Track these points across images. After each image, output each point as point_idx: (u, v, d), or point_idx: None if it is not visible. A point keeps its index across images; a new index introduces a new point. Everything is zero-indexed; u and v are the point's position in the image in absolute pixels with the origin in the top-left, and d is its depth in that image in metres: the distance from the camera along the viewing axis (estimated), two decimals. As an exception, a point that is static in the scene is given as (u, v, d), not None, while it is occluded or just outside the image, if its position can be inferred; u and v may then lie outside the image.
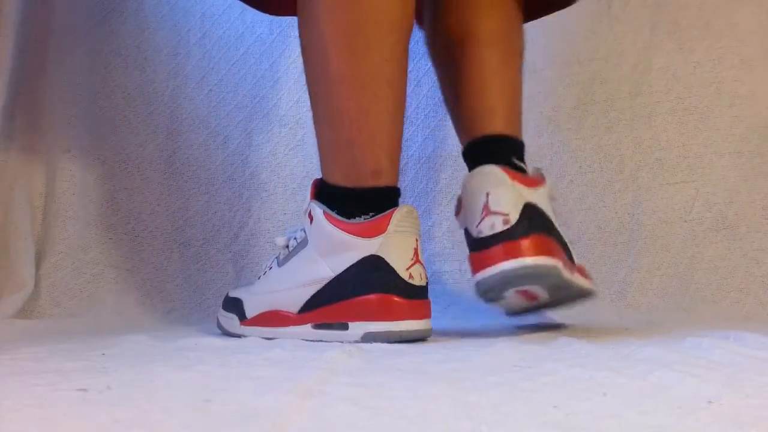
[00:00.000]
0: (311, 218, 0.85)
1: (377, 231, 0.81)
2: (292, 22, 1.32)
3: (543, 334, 0.89)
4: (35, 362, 0.65)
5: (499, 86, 0.95)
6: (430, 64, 1.32)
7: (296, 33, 1.31)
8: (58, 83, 1.24)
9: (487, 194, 0.86)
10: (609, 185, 1.27)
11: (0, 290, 1.10)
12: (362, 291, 0.80)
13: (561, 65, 1.30)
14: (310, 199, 0.87)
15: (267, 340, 0.83)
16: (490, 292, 0.87)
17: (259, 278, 0.93)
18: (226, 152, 1.30)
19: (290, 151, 1.30)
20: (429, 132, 1.32)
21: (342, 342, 0.80)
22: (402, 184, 1.31)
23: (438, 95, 1.33)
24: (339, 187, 0.85)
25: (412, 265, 0.81)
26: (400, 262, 0.80)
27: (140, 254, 1.23)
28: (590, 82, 1.31)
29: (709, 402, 0.46)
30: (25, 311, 1.10)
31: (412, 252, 0.81)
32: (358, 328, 0.80)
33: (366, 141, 0.84)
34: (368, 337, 0.80)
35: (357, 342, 0.79)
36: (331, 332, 0.82)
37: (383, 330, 0.79)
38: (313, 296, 0.84)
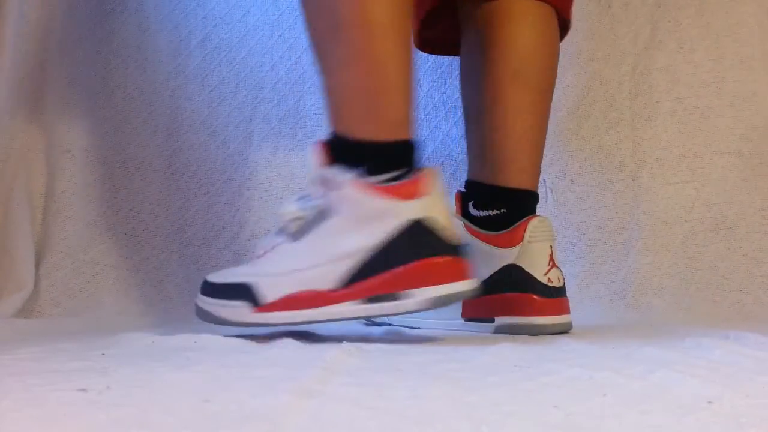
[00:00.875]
0: (332, 186, 0.79)
1: (415, 193, 0.77)
2: (293, 23, 1.32)
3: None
4: (35, 362, 0.65)
5: (533, 138, 1.00)
6: (429, 63, 1.33)
7: (296, 35, 1.32)
8: (58, 83, 1.24)
9: (551, 247, 0.94)
10: (609, 185, 1.27)
11: (0, 290, 1.10)
12: (420, 255, 0.76)
13: (561, 65, 1.30)
14: (325, 164, 0.80)
15: (265, 341, 0.82)
16: (524, 331, 0.91)
17: (259, 257, 0.85)
18: (227, 152, 1.30)
19: (290, 151, 1.30)
20: (429, 132, 1.32)
21: (395, 315, 0.78)
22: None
23: (438, 96, 1.34)
24: (359, 142, 0.80)
25: (451, 226, 0.79)
26: (444, 222, 0.78)
27: (140, 254, 1.23)
28: (590, 82, 1.30)
29: (709, 402, 0.46)
30: (25, 311, 1.10)
31: (448, 212, 0.79)
32: (421, 294, 0.76)
33: (392, 87, 0.80)
34: (437, 302, 0.76)
35: (419, 310, 0.77)
36: (384, 305, 0.77)
37: (452, 292, 0.76)
38: (357, 269, 0.78)
